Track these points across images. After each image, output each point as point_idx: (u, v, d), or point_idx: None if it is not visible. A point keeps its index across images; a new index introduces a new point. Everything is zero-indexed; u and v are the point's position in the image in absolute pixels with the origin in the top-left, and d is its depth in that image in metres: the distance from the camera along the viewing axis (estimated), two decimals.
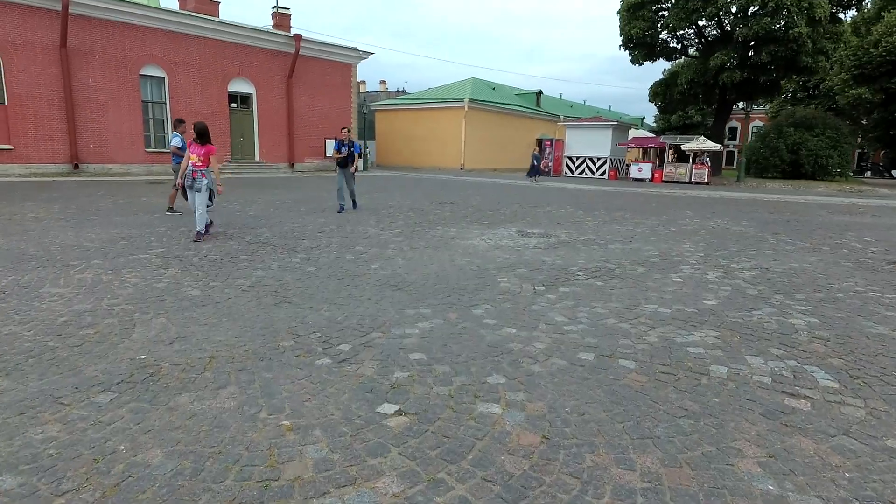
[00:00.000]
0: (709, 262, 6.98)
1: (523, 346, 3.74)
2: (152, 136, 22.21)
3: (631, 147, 28.51)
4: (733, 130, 60.75)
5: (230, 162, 24.32)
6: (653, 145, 27.42)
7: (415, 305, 4.70)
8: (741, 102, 30.19)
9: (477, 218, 10.98)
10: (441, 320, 4.30)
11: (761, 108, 43.24)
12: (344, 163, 11.27)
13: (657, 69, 78.22)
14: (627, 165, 29.81)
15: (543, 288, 5.41)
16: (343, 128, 11.80)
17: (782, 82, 26.43)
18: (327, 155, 27.61)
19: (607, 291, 5.35)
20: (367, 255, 6.90)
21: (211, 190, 7.71)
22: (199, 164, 7.60)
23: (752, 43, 23.73)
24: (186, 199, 8.08)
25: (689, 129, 52.11)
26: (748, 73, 23.92)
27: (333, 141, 11.57)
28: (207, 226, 7.77)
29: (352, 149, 11.34)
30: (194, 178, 7.57)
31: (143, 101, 21.58)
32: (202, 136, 7.66)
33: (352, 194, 11.65)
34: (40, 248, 6.69)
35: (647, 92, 32.84)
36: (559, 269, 6.36)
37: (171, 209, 10.58)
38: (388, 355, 3.52)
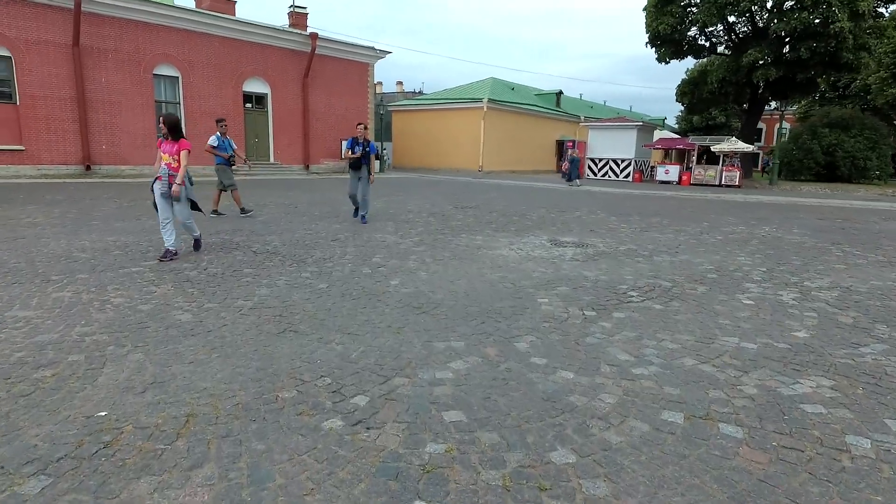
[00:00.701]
0: (776, 279, 6.08)
1: (588, 401, 2.92)
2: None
3: (657, 148, 27.41)
4: (758, 132, 59.14)
5: (245, 163, 23.74)
6: (681, 146, 26.30)
7: (444, 335, 3.91)
8: (774, 102, 28.75)
9: (503, 224, 10.17)
10: (478, 358, 3.50)
11: (787, 109, 41.57)
12: (357, 164, 9.54)
13: (678, 69, 76.60)
14: (652, 167, 28.73)
15: (594, 313, 4.58)
16: (359, 123, 9.84)
17: (819, 80, 25.08)
18: (345, 156, 27.03)
19: (670, 317, 4.51)
20: (386, 268, 6.13)
21: (193, 201, 6.48)
22: (175, 164, 6.17)
23: (789, 39, 22.53)
24: (157, 209, 6.29)
25: (713, 130, 50.62)
26: (784, 71, 22.69)
27: (347, 139, 9.91)
28: (197, 240, 6.78)
29: (367, 149, 9.57)
30: (170, 184, 6.14)
31: (156, 101, 21.12)
32: (174, 130, 6.21)
33: (364, 200, 9.71)
34: (24, 258, 6.03)
35: (675, 91, 31.69)
36: (606, 287, 5.52)
37: (215, 212, 10.15)
38: (417, 414, 2.73)
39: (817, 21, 20.60)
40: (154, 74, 20.87)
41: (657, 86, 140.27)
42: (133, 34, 20.01)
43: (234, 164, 10.40)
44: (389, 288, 5.26)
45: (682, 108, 51.87)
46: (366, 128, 9.79)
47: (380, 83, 56.69)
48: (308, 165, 26.17)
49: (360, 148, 9.53)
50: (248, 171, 23.19)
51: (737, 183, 24.17)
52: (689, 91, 27.95)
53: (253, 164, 24.08)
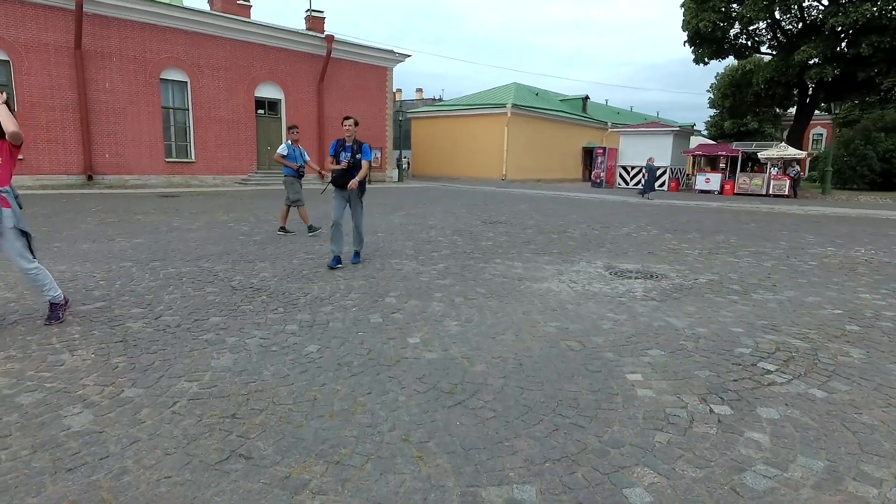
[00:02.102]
0: None
1: None
2: (173, 144, 20.62)
3: (698, 155, 25.45)
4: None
5: (256, 172, 22.56)
6: (723, 153, 24.32)
7: (497, 463, 2.30)
8: (823, 105, 26.49)
9: (543, 244, 8.53)
10: None
11: (835, 113, 39.24)
12: (345, 179, 6.38)
13: (704, 76, 74.22)
14: (688, 175, 26.76)
15: (728, 409, 2.91)
16: (346, 118, 6.39)
17: (880, 79, 22.87)
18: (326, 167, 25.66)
19: (852, 419, 2.82)
20: (403, 313, 4.55)
21: (26, 234, 3.91)
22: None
23: (847, 34, 20.48)
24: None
25: (745, 136, 48.02)
26: (841, 69, 20.62)
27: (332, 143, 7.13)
28: (60, 305, 4.09)
29: (358, 155, 6.49)
30: None
31: (163, 108, 20.02)
32: None
33: (357, 232, 6.77)
34: None
35: (710, 96, 29.78)
36: (717, 350, 3.85)
37: (282, 229, 8.94)
38: None
39: (882, 13, 18.58)
40: (161, 79, 19.78)
41: (688, 91, 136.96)
42: (139, 36, 18.94)
43: (303, 176, 9.07)
44: (407, 351, 3.68)
45: (716, 112, 49.69)
46: (356, 124, 6.32)
47: (399, 90, 55.48)
48: (322, 175, 24.78)
49: (349, 155, 6.42)
50: (259, 181, 21.99)
51: (786, 192, 22.13)
52: (730, 94, 25.95)
53: (266, 174, 22.88)
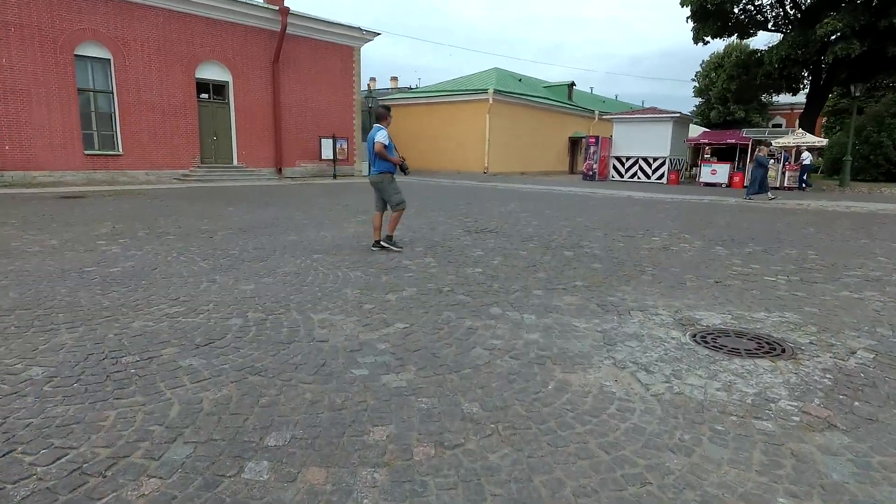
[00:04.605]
0: None
1: None
2: (95, 134, 17.27)
3: (703, 144, 22.90)
4: (777, 126, 54.51)
5: (199, 167, 19.34)
6: (733, 140, 21.79)
7: None
8: (836, 86, 24.05)
9: (557, 269, 5.73)
10: None
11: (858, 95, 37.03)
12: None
13: (686, 65, 72.53)
14: (692, 167, 24.29)
15: None
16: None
17: None
18: (323, 156, 22.57)
19: None
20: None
21: None
22: None
23: (877, 3, 17.98)
24: None
25: (731, 126, 45.94)
26: (869, 43, 18.11)
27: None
28: None
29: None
30: None
31: (80, 90, 16.64)
32: None
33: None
34: None
35: (695, 83, 27.30)
36: None
37: (380, 242, 6.71)
38: None
39: None
40: (76, 55, 16.40)
41: (656, 86, 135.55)
42: (45, 4, 15.55)
43: (407, 171, 6.94)
44: None
45: (701, 101, 47.57)
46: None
47: (373, 79, 52.28)
48: (280, 169, 21.69)
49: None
50: (202, 176, 18.81)
51: (795, 185, 19.73)
52: (737, 75, 23.38)
53: (211, 168, 19.68)
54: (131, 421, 2.42)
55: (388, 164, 6.53)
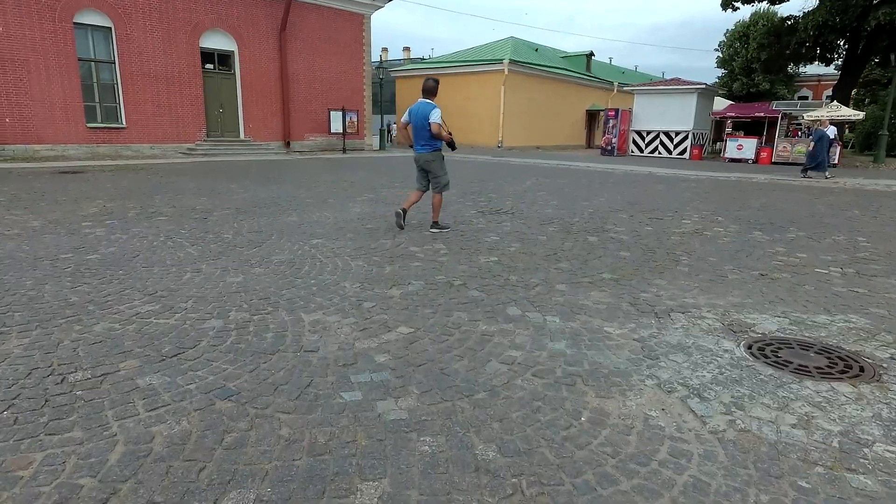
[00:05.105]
0: None
1: None
2: (98, 106, 16.76)
3: (731, 117, 21.79)
4: (804, 98, 52.28)
5: (206, 140, 18.81)
6: (761, 113, 20.68)
7: None
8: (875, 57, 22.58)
9: (581, 258, 5.14)
10: None
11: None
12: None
13: (709, 36, 70.02)
14: (716, 142, 23.24)
15: None
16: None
17: None
18: (332, 130, 21.88)
19: None
20: None
21: None
22: None
23: None
24: None
25: (756, 98, 44.13)
26: None
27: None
28: None
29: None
30: None
31: (80, 59, 16.07)
32: None
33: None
34: None
35: (719, 53, 25.93)
36: None
37: (436, 224, 6.36)
38: None
39: None
40: (76, 23, 15.78)
41: (676, 58, 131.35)
42: None
43: (455, 148, 6.65)
44: None
45: (724, 73, 45.79)
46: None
47: (385, 49, 51.01)
48: (288, 142, 21.09)
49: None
50: (207, 150, 18.29)
51: (835, 161, 18.70)
52: (768, 44, 22.06)
53: (218, 142, 19.14)
54: (58, 470, 1.92)
55: (439, 141, 6.11)
